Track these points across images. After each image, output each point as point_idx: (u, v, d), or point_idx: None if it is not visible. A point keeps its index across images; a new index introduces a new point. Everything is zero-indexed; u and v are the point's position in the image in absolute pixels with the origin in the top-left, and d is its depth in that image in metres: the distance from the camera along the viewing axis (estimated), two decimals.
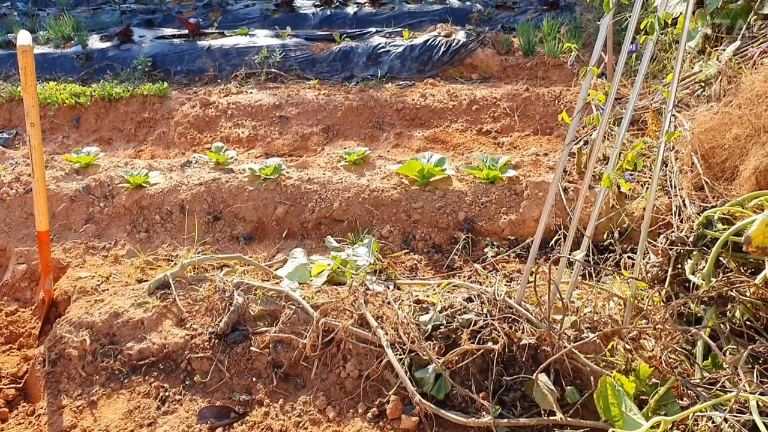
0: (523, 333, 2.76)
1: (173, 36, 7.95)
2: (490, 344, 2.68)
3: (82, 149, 5.03)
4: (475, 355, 2.69)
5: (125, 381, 2.97)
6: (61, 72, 7.43)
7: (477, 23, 8.21)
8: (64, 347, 3.11)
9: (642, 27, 2.18)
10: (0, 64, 7.76)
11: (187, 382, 2.93)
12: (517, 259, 3.82)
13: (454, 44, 7.02)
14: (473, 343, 2.70)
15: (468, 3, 8.84)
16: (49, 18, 9.29)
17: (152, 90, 6.37)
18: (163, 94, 6.38)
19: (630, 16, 2.28)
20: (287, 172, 4.51)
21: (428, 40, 7.11)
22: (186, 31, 7.90)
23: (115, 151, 5.82)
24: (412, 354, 2.74)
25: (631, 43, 2.23)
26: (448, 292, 3.14)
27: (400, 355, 2.73)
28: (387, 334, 2.82)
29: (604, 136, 3.72)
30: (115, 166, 4.76)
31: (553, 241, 3.52)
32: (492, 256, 3.80)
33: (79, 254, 4.08)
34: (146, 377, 2.96)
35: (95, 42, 7.89)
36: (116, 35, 7.82)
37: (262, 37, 7.56)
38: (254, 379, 2.90)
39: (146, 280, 3.61)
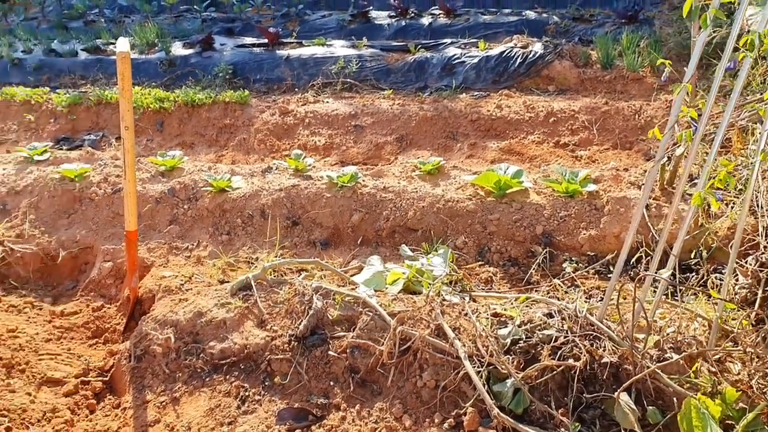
0: (604, 351, 2.72)
1: (253, 45, 8.16)
2: (571, 361, 2.65)
3: (167, 153, 5.22)
4: (555, 372, 2.67)
5: (207, 379, 3.06)
6: (145, 77, 7.72)
7: (553, 35, 8.12)
8: (149, 344, 3.23)
9: (741, 44, 2.12)
10: (88, 68, 8.13)
11: (266, 383, 3.00)
12: (597, 276, 3.76)
13: (530, 56, 6.97)
14: (554, 359, 2.68)
15: (544, 15, 8.75)
16: (134, 25, 9.68)
17: (234, 97, 6.56)
18: (244, 102, 6.56)
19: (715, 32, 2.23)
20: (363, 181, 4.57)
21: (504, 51, 7.09)
22: (265, 40, 8.09)
23: (197, 155, 6.01)
24: (490, 367, 2.74)
25: (729, 60, 2.18)
26: (527, 306, 3.12)
27: (477, 367, 2.73)
28: (464, 345, 2.83)
29: (686, 153, 3.63)
30: (198, 170, 4.92)
31: (634, 259, 3.46)
32: (571, 272, 3.76)
33: (163, 254, 4.23)
34: (227, 376, 3.05)
35: (178, 49, 8.17)
36: (198, 43, 8.08)
37: (338, 48, 7.68)
38: (331, 383, 2.95)
39: (227, 281, 3.72)
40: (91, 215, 4.57)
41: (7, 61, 8.41)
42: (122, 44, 3.10)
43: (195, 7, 10.25)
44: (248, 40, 8.51)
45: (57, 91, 7.25)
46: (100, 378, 3.33)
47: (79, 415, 3.06)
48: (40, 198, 4.68)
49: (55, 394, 3.13)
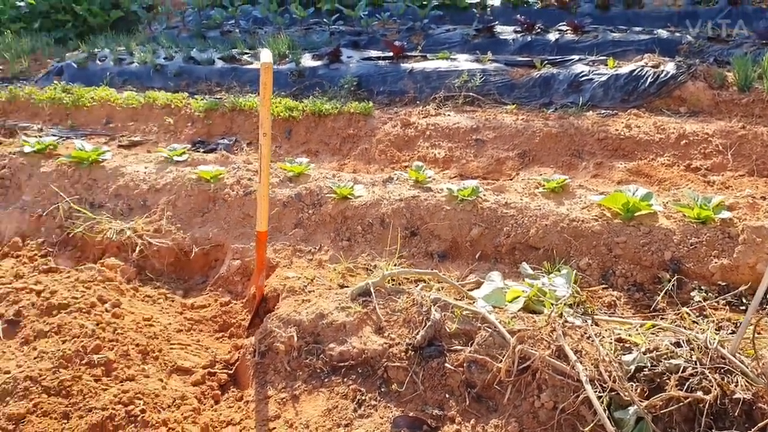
0: (737, 386, 2.58)
1: (378, 58, 8.33)
2: (699, 394, 2.53)
3: (295, 159, 5.41)
4: (681, 403, 2.55)
5: (325, 380, 3.15)
6: (275, 86, 8.03)
7: (686, 55, 7.78)
8: (272, 341, 3.36)
9: None
10: (223, 76, 8.57)
11: (382, 389, 3.04)
12: (728, 307, 3.56)
13: (662, 75, 6.71)
14: (680, 390, 2.56)
15: (677, 34, 8.41)
16: (267, 36, 10.12)
17: (358, 108, 6.72)
18: (368, 113, 6.70)
19: None
20: (484, 195, 4.55)
21: (634, 69, 6.87)
22: (390, 54, 8.24)
23: (320, 162, 6.19)
24: (612, 393, 2.65)
25: None
26: (652, 333, 3.01)
27: (599, 392, 2.66)
28: (586, 369, 2.76)
29: None
30: (323, 177, 5.07)
31: None
32: (700, 301, 3.58)
33: (287, 255, 4.38)
34: (345, 379, 3.12)
35: (307, 60, 8.46)
36: (326, 55, 8.34)
37: (462, 61, 7.70)
38: (447, 396, 2.95)
39: (347, 286, 3.81)
40: (223, 215, 4.81)
41: (151, 66, 9.01)
42: (266, 55, 3.25)
43: (324, 20, 10.60)
44: (373, 52, 8.70)
45: (194, 96, 7.71)
46: (225, 370, 3.49)
47: (204, 404, 3.22)
48: (178, 196, 4.98)
49: (184, 382, 3.32)
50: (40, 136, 6.83)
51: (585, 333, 3.02)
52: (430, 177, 5.01)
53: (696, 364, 2.67)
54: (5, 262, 4.52)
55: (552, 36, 8.69)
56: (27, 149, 5.89)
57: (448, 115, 6.57)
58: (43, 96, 8.13)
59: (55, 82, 9.13)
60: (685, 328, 3.04)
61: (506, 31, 9.17)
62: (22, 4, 12.84)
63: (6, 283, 3.97)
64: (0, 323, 3.60)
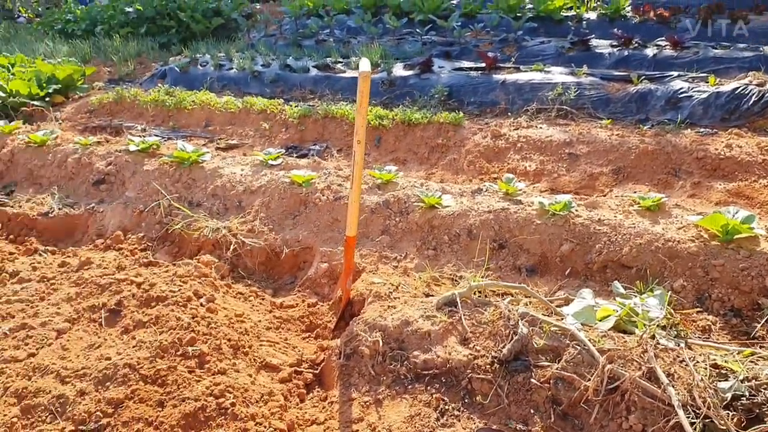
0: None
1: (470, 68, 8.32)
2: None
3: (384, 167, 5.47)
4: None
5: (409, 386, 3.17)
6: None
7: None
8: (358, 344, 3.40)
9: None
10: (317, 83, 8.76)
11: (466, 400, 3.04)
12: None
13: (767, 94, 6.41)
14: None
15: None
16: (360, 45, 10.28)
17: (448, 118, 6.73)
18: (458, 123, 6.71)
19: None
20: (576, 210, 4.48)
21: (737, 87, 6.59)
22: (482, 64, 8.22)
23: (408, 171, 6.24)
24: (706, 420, 2.57)
25: None
26: (751, 362, 2.89)
27: (691, 418, 2.57)
28: (678, 393, 2.68)
29: None
30: (411, 185, 5.11)
31: None
32: None
33: (373, 261, 4.44)
34: (428, 387, 3.13)
35: (398, 69, 8.54)
36: (418, 65, 8.39)
37: (556, 74, 7.59)
38: (531, 411, 2.92)
39: (432, 295, 3.83)
40: (313, 218, 4.93)
41: (248, 72, 9.31)
42: (364, 64, 3.31)
43: (417, 30, 10.67)
44: (465, 63, 8.69)
45: (289, 103, 7.91)
46: (311, 370, 3.57)
47: (290, 401, 3.30)
48: (271, 199, 5.14)
49: (271, 379, 3.41)
50: (144, 136, 7.17)
51: (678, 356, 2.93)
52: (520, 190, 4.96)
53: None
54: (108, 254, 4.78)
55: (650, 51, 8.45)
56: (132, 148, 6.20)
57: (540, 127, 6.49)
58: (148, 98, 8.54)
59: (158, 84, 9.58)
60: None
61: (602, 45, 8.98)
62: (130, 10, 13.54)
63: (109, 274, 4.21)
64: (103, 312, 3.81)
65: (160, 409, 3.03)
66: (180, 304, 3.76)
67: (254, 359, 3.50)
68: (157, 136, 7.42)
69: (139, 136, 7.24)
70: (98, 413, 2.97)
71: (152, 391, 3.11)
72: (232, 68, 9.71)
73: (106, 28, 13.78)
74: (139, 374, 3.18)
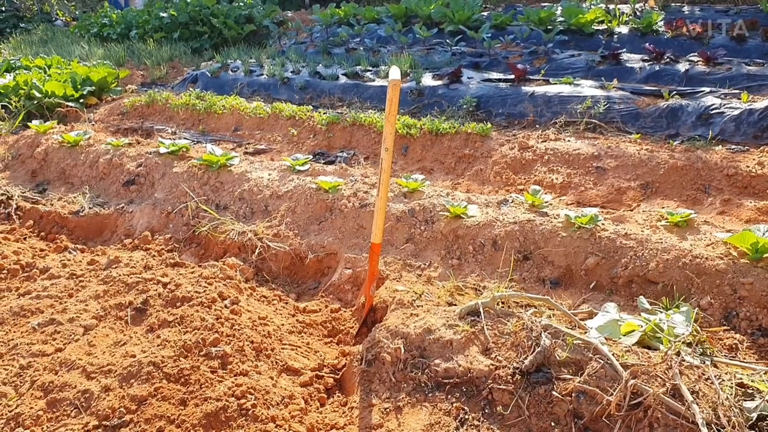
0: None
1: (499, 80, 8.31)
2: None
3: (411, 176, 5.49)
4: None
5: (429, 395, 3.16)
6: None
7: None
8: (379, 351, 3.41)
9: None
10: (346, 91, 8.81)
11: (486, 410, 3.02)
12: None
13: None
14: None
15: None
16: (390, 54, 10.33)
17: (476, 129, 6.73)
18: (485, 134, 6.70)
19: None
20: (603, 224, 4.45)
21: None
22: (511, 76, 8.21)
23: (434, 180, 6.25)
24: None
25: None
26: None
27: None
28: (703, 411, 2.64)
29: None
30: (437, 194, 5.11)
31: None
32: None
33: (397, 269, 4.45)
34: (448, 396, 3.13)
35: (427, 79, 8.56)
36: (447, 75, 8.41)
37: (586, 87, 7.56)
38: (552, 424, 2.90)
39: (455, 304, 3.82)
40: (338, 225, 4.95)
41: (278, 79, 9.40)
42: (395, 73, 3.33)
43: (446, 41, 10.70)
44: (494, 74, 8.69)
45: (318, 110, 7.98)
46: (331, 375, 3.58)
47: (311, 405, 3.32)
48: (297, 204, 5.18)
49: (292, 382, 3.43)
50: (174, 139, 7.28)
51: (703, 374, 2.89)
52: (546, 202, 4.94)
53: None
54: (136, 254, 4.84)
55: (681, 66, 8.37)
56: (162, 150, 6.29)
57: (569, 140, 6.46)
58: (179, 101, 8.66)
59: (189, 89, 9.72)
60: None
61: (633, 59, 8.92)
62: (164, 15, 13.76)
63: (136, 273, 4.27)
64: (129, 310, 3.86)
65: (183, 407, 3.07)
66: (204, 305, 3.80)
67: (276, 362, 3.52)
68: (187, 139, 7.52)
69: (170, 138, 7.34)
70: (122, 409, 3.01)
71: (175, 389, 3.14)
72: (262, 74, 9.81)
73: (141, 32, 14.03)
74: (162, 372, 3.21)
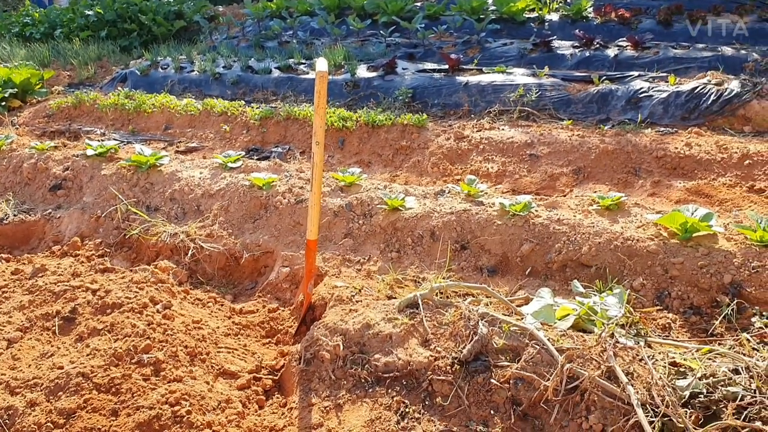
0: None
1: (433, 70, 8.32)
2: (758, 424, 2.43)
3: (347, 169, 5.43)
4: None
5: (369, 390, 3.13)
6: (330, 96, 8.10)
7: (752, 73, 7.54)
8: (318, 349, 3.36)
9: None
10: (279, 85, 8.69)
11: (426, 402, 3.01)
12: None
13: (725, 93, 6.52)
14: (738, 419, 2.46)
15: (743, 52, 8.16)
16: (324, 47, 10.23)
17: (412, 120, 6.72)
18: (422, 125, 6.69)
19: None
20: (536, 211, 4.49)
21: (696, 87, 6.69)
22: (446, 66, 8.23)
23: (373, 173, 6.20)
24: (665, 418, 2.56)
25: None
26: (709, 359, 2.90)
27: (650, 417, 2.57)
28: (638, 392, 2.68)
29: None
30: (375, 187, 5.07)
31: None
32: (761, 327, 3.43)
33: (336, 264, 4.39)
34: (389, 390, 3.10)
35: (362, 71, 8.51)
36: (382, 66, 8.37)
37: (518, 76, 7.63)
38: (492, 412, 2.90)
39: (395, 297, 3.79)
40: (274, 222, 4.86)
41: (210, 74, 9.20)
42: (322, 64, 3.27)
43: (380, 32, 10.65)
44: (429, 65, 8.70)
45: (251, 105, 7.84)
46: (270, 376, 3.51)
47: (249, 408, 3.24)
48: (230, 202, 5.06)
49: (229, 385, 3.34)
50: (103, 140, 7.03)
51: (637, 355, 2.94)
52: (482, 191, 4.96)
53: (755, 393, 2.57)
54: (64, 261, 4.65)
55: (611, 52, 8.54)
56: (89, 152, 6.07)
57: (503, 129, 6.51)
58: (107, 101, 8.39)
59: (118, 88, 9.43)
60: (744, 354, 2.92)
61: (564, 46, 9.06)
62: (90, 13, 13.30)
63: (64, 281, 4.09)
64: (56, 320, 3.70)
65: (114, 418, 2.95)
66: (136, 310, 3.67)
67: (212, 366, 3.43)
68: (116, 140, 7.28)
69: (98, 140, 7.09)
70: (48, 424, 2.88)
71: (106, 400, 3.02)
72: (193, 71, 9.59)
73: (66, 31, 13.53)
74: (92, 383, 3.09)
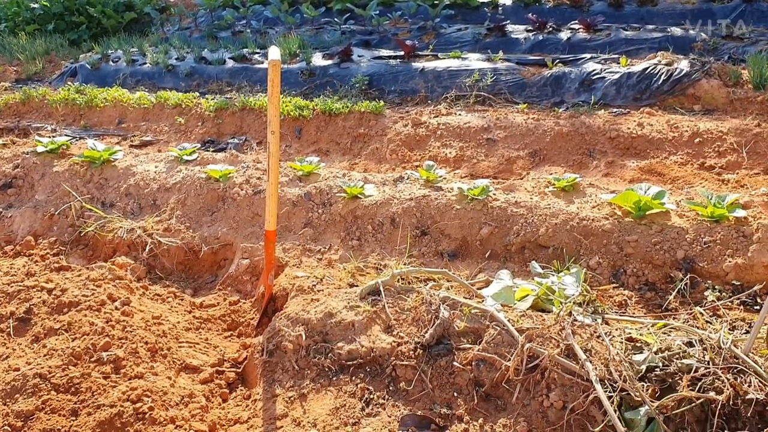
0: (750, 387, 2.54)
1: (389, 57, 8.31)
2: (712, 394, 2.50)
3: (305, 158, 5.40)
4: (693, 404, 2.51)
5: (333, 378, 3.13)
6: (286, 86, 8.04)
7: (700, 53, 7.71)
8: (281, 340, 3.35)
9: None
10: (234, 75, 8.59)
11: (390, 388, 3.03)
12: (742, 307, 3.51)
13: (675, 73, 6.65)
14: (693, 390, 2.53)
15: (691, 32, 8.32)
16: (278, 36, 10.12)
17: (369, 107, 6.71)
18: (379, 112, 6.69)
19: None
20: (494, 194, 4.53)
21: (647, 68, 6.81)
22: (401, 53, 8.22)
23: (331, 162, 6.19)
24: (623, 393, 2.62)
25: None
26: (664, 333, 2.97)
27: (609, 392, 2.62)
28: (596, 368, 2.73)
29: None
30: (333, 176, 5.06)
31: None
32: (713, 301, 3.53)
33: (296, 255, 4.38)
34: (353, 377, 3.11)
35: (318, 59, 8.45)
36: (337, 54, 8.33)
37: (473, 61, 7.67)
38: (455, 394, 2.93)
39: (357, 285, 3.80)
40: (232, 214, 4.81)
41: (162, 67, 9.05)
42: (274, 52, 3.24)
43: (335, 19, 10.59)
44: (385, 52, 8.68)
45: (205, 96, 7.73)
46: (233, 369, 3.49)
47: (212, 402, 3.22)
48: (187, 195, 5.00)
49: (192, 380, 3.32)
50: (54, 137, 6.87)
51: (595, 332, 2.99)
52: (440, 176, 4.98)
53: (709, 364, 2.64)
54: (18, 261, 4.54)
55: (564, 35, 8.63)
56: (40, 149, 5.93)
57: (460, 114, 6.54)
58: (57, 97, 8.19)
59: (68, 83, 9.20)
60: (698, 327, 3.00)
61: (518, 30, 9.12)
62: (36, 6, 12.92)
63: (17, 281, 3.99)
64: (11, 321, 3.62)
65: (74, 418, 2.91)
66: (93, 308, 3.61)
67: (173, 361, 3.40)
68: (68, 135, 7.12)
69: (49, 136, 6.93)
70: (6, 427, 2.82)
71: (65, 400, 2.98)
72: (145, 63, 9.42)
73: (11, 25, 13.11)
74: (50, 384, 3.04)
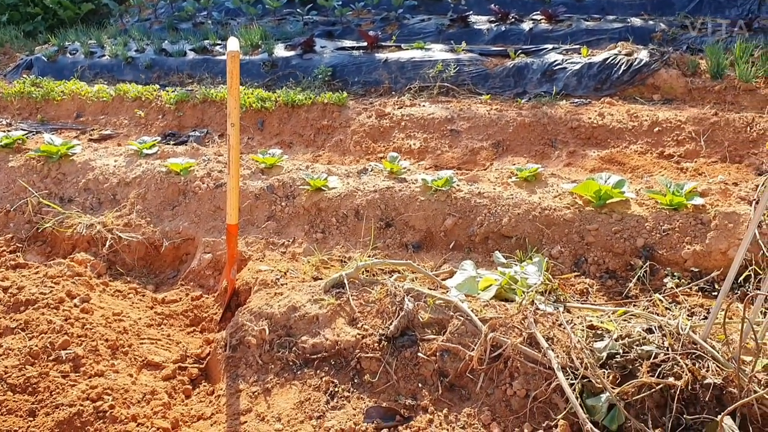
0: (707, 371, 2.60)
1: (352, 48, 8.27)
2: (671, 379, 2.54)
3: (267, 151, 5.35)
4: (653, 389, 2.56)
5: (298, 372, 3.12)
6: (248, 77, 7.95)
7: (660, 43, 7.82)
8: (244, 335, 3.32)
9: None
10: (195, 67, 8.46)
11: (355, 380, 3.02)
12: (700, 293, 3.59)
13: (635, 63, 6.74)
14: (652, 376, 2.57)
15: (651, 22, 8.44)
16: (240, 27, 10.00)
17: (332, 99, 6.67)
18: (342, 104, 6.65)
19: None
20: (458, 185, 4.54)
21: (608, 58, 6.88)
22: (365, 43, 8.19)
23: (295, 154, 6.14)
24: (584, 380, 2.66)
25: None
26: (625, 320, 3.02)
27: (571, 379, 2.66)
28: (558, 356, 2.76)
29: None
30: (296, 168, 5.02)
31: (742, 278, 3.28)
32: (672, 287, 3.60)
33: (260, 248, 4.34)
34: (317, 371, 3.10)
35: (280, 50, 8.37)
36: (300, 45, 8.25)
37: (437, 52, 7.67)
38: (420, 385, 2.94)
39: (321, 278, 3.78)
40: (193, 208, 4.75)
41: (122, 59, 8.88)
42: (233, 43, 3.21)
43: (297, 10, 10.50)
44: (348, 43, 8.63)
45: (166, 88, 7.60)
46: (196, 365, 3.45)
47: (175, 399, 3.18)
48: (148, 190, 4.92)
49: (154, 377, 3.28)
50: (9, 131, 6.69)
51: (557, 320, 3.03)
52: (405, 168, 4.98)
53: (668, 350, 2.68)
54: None
55: (526, 25, 8.68)
56: None
57: (424, 105, 6.54)
58: (12, 90, 7.98)
59: (24, 75, 8.97)
60: (657, 314, 3.06)
61: (480, 21, 9.14)
62: None
63: None
64: None
65: (32, 418, 2.85)
66: (52, 306, 3.53)
67: (135, 358, 3.35)
68: (24, 130, 6.95)
69: (4, 131, 6.74)
70: None
71: (22, 400, 2.91)
72: (104, 55, 9.23)
73: None
74: (6, 384, 2.97)
